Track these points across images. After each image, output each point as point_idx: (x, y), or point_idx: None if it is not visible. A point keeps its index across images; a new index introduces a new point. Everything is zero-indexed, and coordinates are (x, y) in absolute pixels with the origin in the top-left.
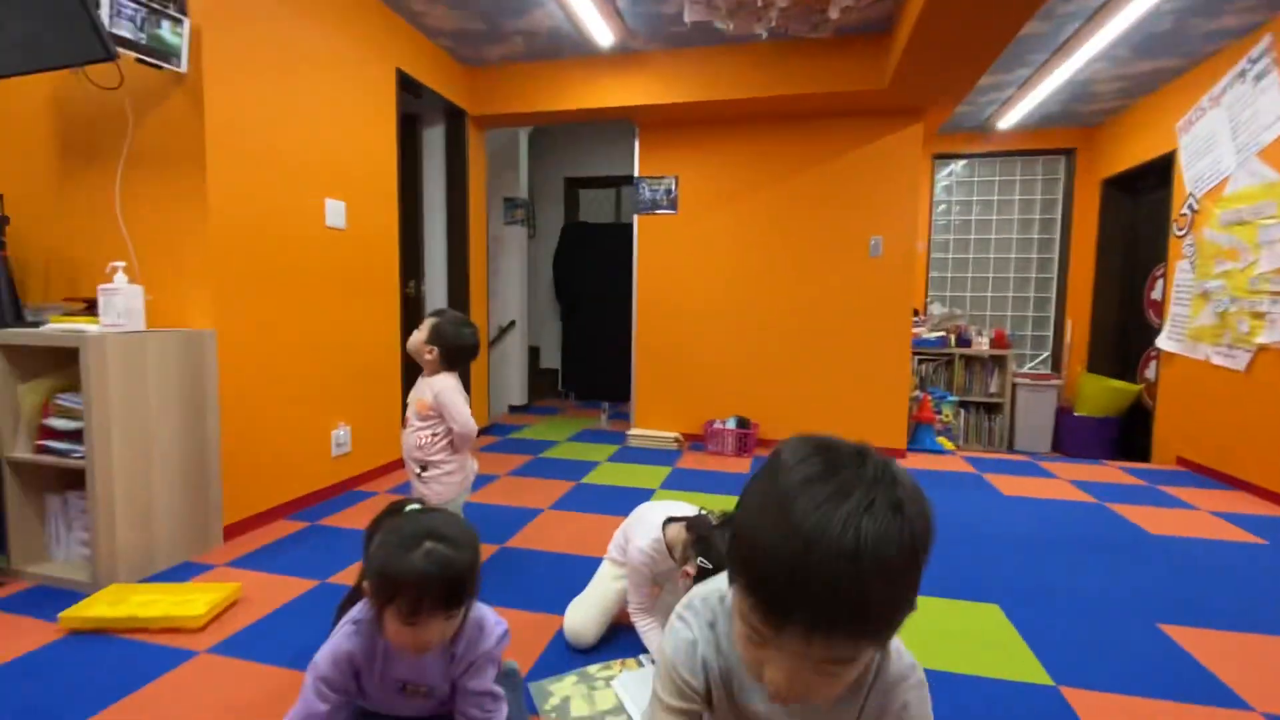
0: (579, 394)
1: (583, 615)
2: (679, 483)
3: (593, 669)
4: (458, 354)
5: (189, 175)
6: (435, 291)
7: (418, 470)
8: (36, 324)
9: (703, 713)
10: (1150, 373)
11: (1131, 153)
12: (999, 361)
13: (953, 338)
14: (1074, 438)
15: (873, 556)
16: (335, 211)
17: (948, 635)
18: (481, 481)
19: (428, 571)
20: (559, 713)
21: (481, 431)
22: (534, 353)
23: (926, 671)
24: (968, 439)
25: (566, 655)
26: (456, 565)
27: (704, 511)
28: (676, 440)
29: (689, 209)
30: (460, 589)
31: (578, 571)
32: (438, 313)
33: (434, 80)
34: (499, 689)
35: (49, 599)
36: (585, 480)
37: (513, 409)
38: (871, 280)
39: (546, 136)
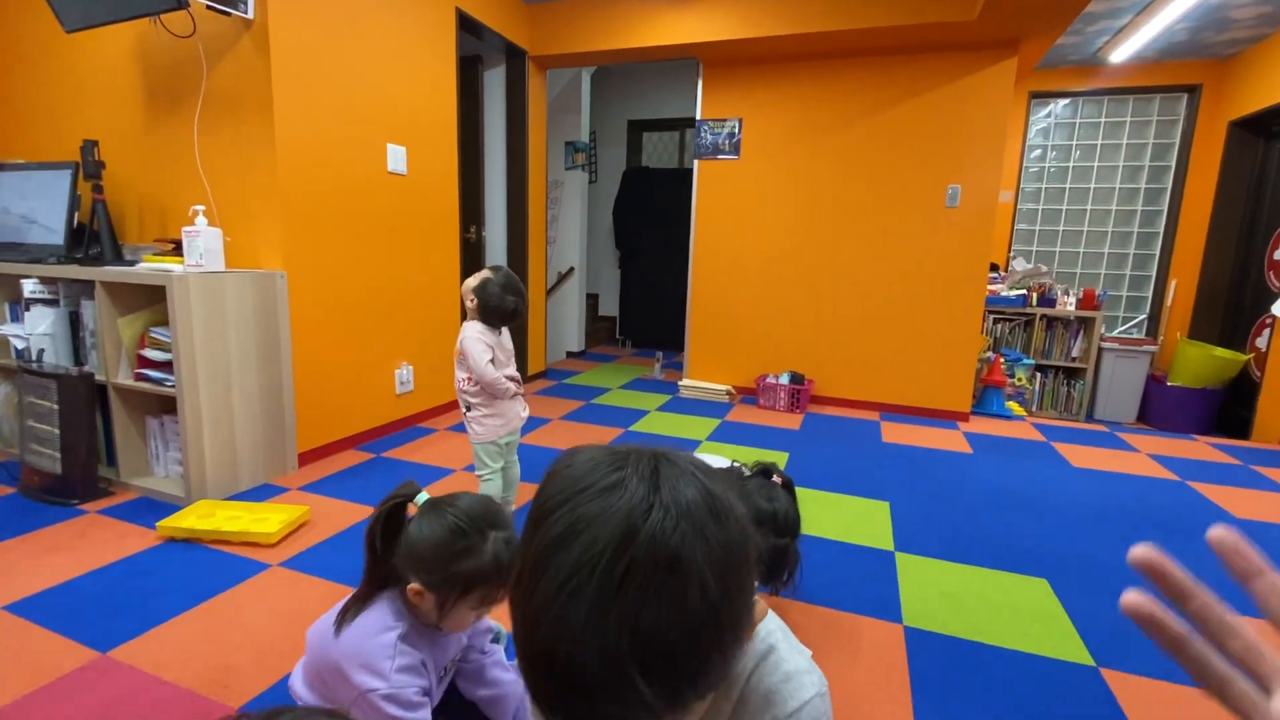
0: (635, 342)
1: None
2: (727, 435)
3: None
4: (492, 312)
5: (258, 120)
6: (495, 237)
7: (464, 409)
8: (133, 263)
9: None
10: (1262, 341)
11: (1270, 90)
12: (1085, 324)
13: (1035, 296)
14: (1163, 409)
15: (637, 648)
16: (396, 157)
17: (989, 606)
18: (534, 424)
19: (506, 561)
20: None
21: (537, 376)
22: (592, 300)
23: (969, 644)
24: (1041, 405)
25: None
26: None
27: (736, 463)
28: (728, 393)
29: (751, 154)
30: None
31: None
32: (496, 268)
33: (494, 19)
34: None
35: (150, 509)
36: (633, 428)
37: (570, 355)
38: (946, 233)
39: (609, 77)
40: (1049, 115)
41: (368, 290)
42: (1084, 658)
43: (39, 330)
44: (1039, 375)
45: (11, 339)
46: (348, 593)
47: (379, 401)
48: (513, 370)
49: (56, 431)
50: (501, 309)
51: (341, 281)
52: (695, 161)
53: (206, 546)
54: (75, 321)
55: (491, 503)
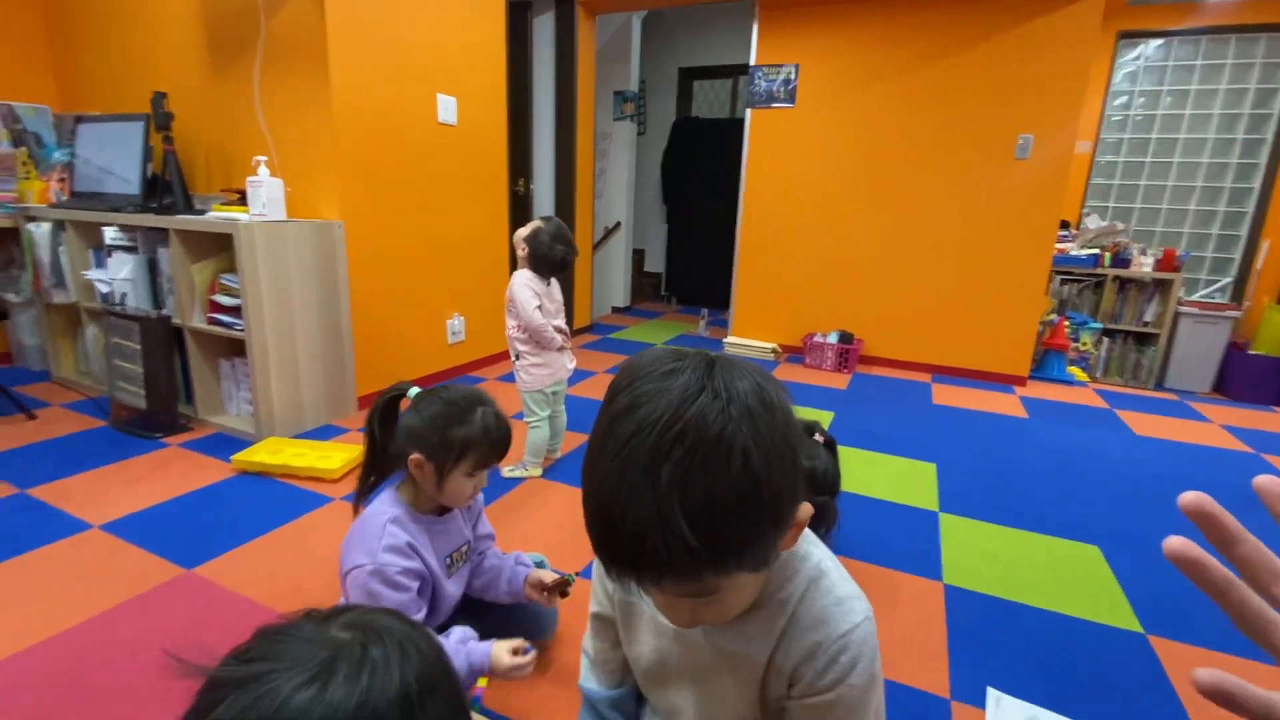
0: (681, 299)
1: None
2: None
3: None
4: (542, 261)
5: (314, 71)
6: (543, 190)
7: (514, 356)
8: (202, 212)
9: (617, 626)
10: None
11: None
12: (1162, 286)
13: (1108, 256)
14: (1243, 379)
15: (684, 501)
16: (447, 108)
17: (1036, 569)
18: (578, 377)
19: (494, 430)
20: None
21: (582, 330)
22: (638, 256)
23: (1017, 605)
24: (1107, 371)
25: None
26: (506, 424)
27: None
28: (774, 351)
29: (808, 102)
30: (509, 443)
31: None
32: (547, 219)
33: None
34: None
35: (224, 444)
36: None
37: (615, 310)
38: (1014, 186)
39: (661, 22)
40: (1138, 58)
41: (420, 242)
42: (1132, 624)
43: (121, 275)
44: (1106, 340)
45: (97, 284)
46: None
47: (432, 350)
48: (561, 322)
49: (140, 370)
50: (551, 258)
51: (395, 232)
52: (748, 110)
53: (275, 479)
54: (153, 267)
55: (472, 388)
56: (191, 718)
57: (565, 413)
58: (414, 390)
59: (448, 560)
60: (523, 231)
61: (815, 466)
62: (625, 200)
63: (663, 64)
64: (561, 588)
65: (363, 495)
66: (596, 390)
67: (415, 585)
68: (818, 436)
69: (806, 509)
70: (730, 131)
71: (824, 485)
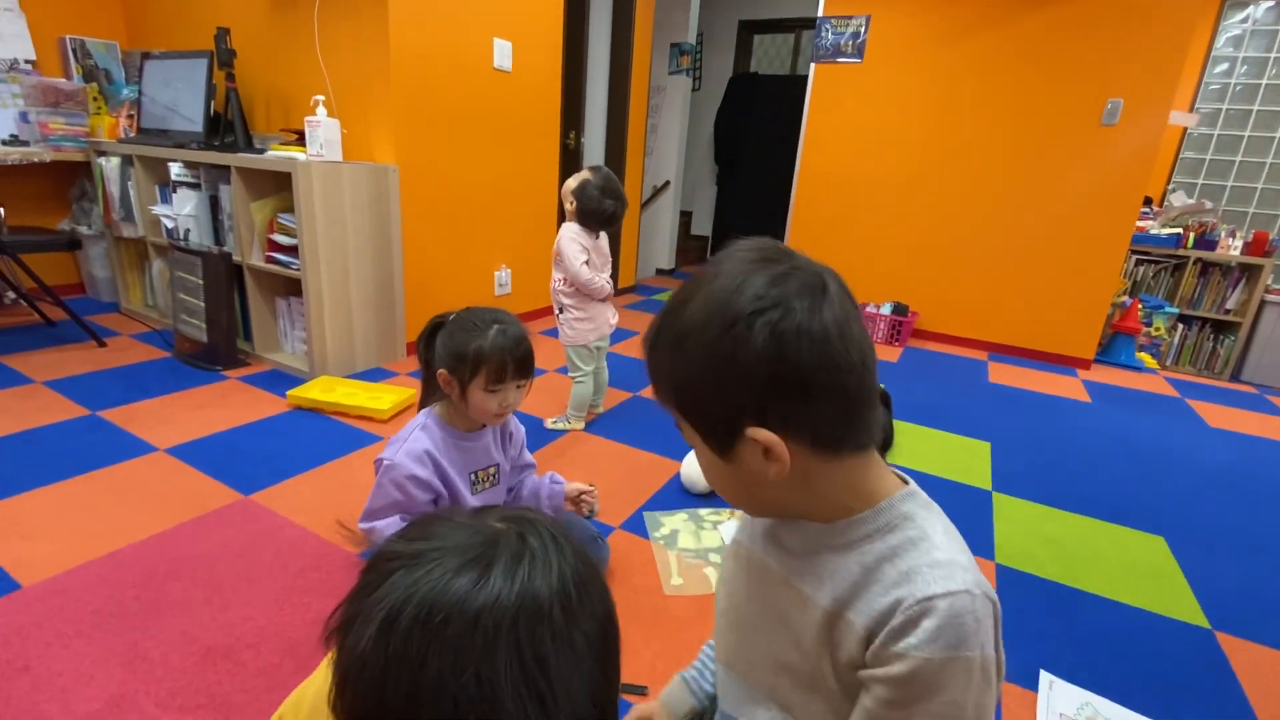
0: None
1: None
2: None
3: (704, 511)
4: (591, 216)
5: (373, 10)
6: (594, 145)
7: (558, 310)
8: (261, 151)
9: None
10: None
11: None
12: (1250, 271)
13: (1192, 236)
14: None
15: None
16: (502, 52)
17: (1094, 556)
18: (621, 335)
19: (505, 344)
20: (667, 541)
21: (626, 290)
22: (685, 218)
23: (1077, 592)
24: (1179, 360)
25: (679, 496)
26: (525, 338)
27: None
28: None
29: (877, 57)
30: (530, 359)
31: None
32: (595, 169)
33: None
34: (532, 459)
35: (281, 380)
36: None
37: (659, 272)
38: (1097, 155)
39: None
40: (1245, 20)
41: (471, 190)
42: (1198, 619)
43: (185, 211)
44: (1180, 326)
45: (163, 219)
46: None
47: (479, 300)
48: (607, 275)
49: (202, 304)
50: (600, 211)
51: (447, 179)
52: (811, 65)
53: (327, 416)
54: (215, 205)
55: (501, 311)
56: (360, 591)
57: (607, 368)
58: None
59: (472, 477)
60: (570, 184)
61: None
62: (676, 159)
63: (723, 15)
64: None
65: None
66: (637, 350)
67: (424, 497)
68: None
69: (771, 439)
70: (790, 89)
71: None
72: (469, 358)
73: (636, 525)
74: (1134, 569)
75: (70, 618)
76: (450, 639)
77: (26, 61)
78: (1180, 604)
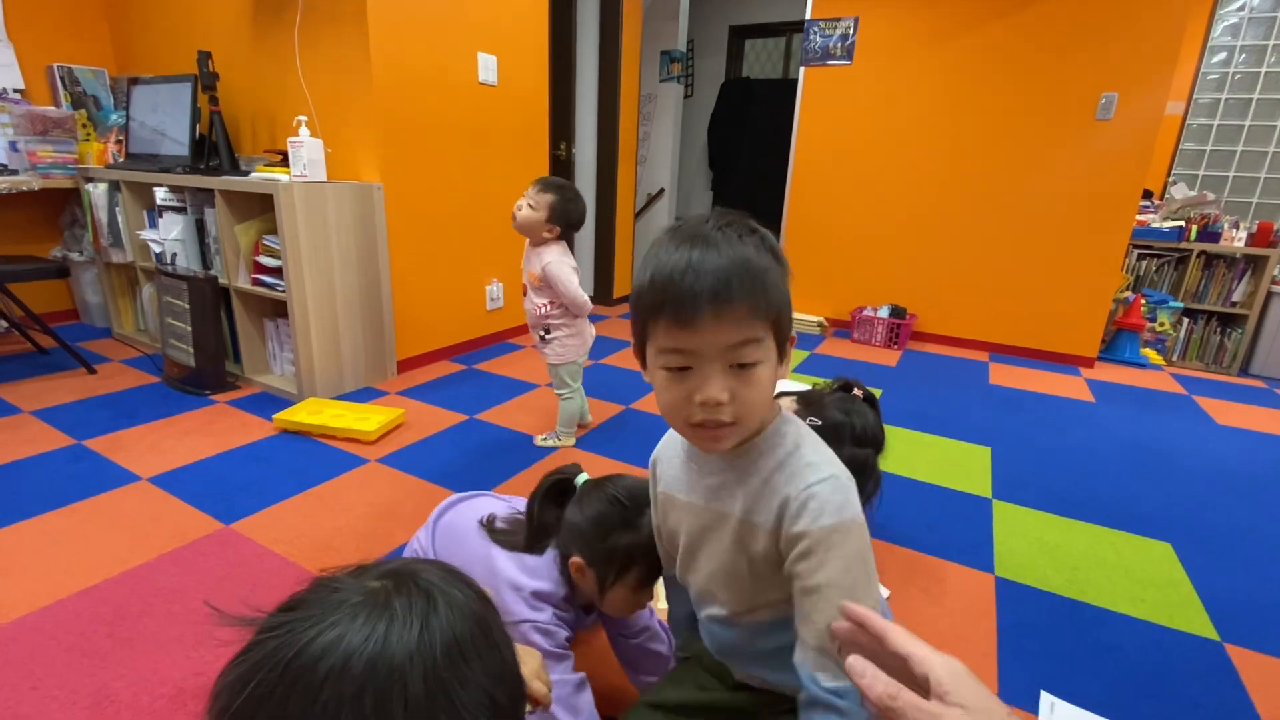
0: None
1: None
2: (816, 369)
3: None
4: (572, 229)
5: (354, 28)
6: (585, 155)
7: (541, 333)
8: (247, 173)
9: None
10: None
11: None
12: (1255, 263)
13: (1194, 229)
14: None
15: (733, 238)
16: (487, 66)
17: (1099, 565)
18: (616, 346)
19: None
20: None
21: (621, 300)
22: None
23: (1079, 604)
24: (1185, 355)
25: None
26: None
27: (815, 387)
28: (820, 325)
29: (866, 59)
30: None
31: None
32: (552, 187)
33: None
34: None
35: (269, 403)
36: None
37: None
38: (1093, 150)
39: None
40: (1242, 8)
41: (460, 206)
42: (1206, 630)
43: (171, 236)
44: (1185, 320)
45: (150, 243)
46: (436, 489)
47: (471, 316)
48: None
49: (189, 329)
50: (578, 220)
51: (435, 196)
52: (801, 69)
53: (314, 439)
54: (201, 228)
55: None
56: (235, 660)
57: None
58: (582, 478)
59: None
60: (537, 215)
61: (853, 421)
62: (670, 166)
63: (712, 22)
64: None
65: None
66: (631, 360)
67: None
68: (856, 391)
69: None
70: (782, 93)
71: (863, 438)
72: (619, 554)
73: None
74: (1139, 578)
75: (41, 658)
76: (290, 715)
77: (15, 90)
78: (1188, 615)
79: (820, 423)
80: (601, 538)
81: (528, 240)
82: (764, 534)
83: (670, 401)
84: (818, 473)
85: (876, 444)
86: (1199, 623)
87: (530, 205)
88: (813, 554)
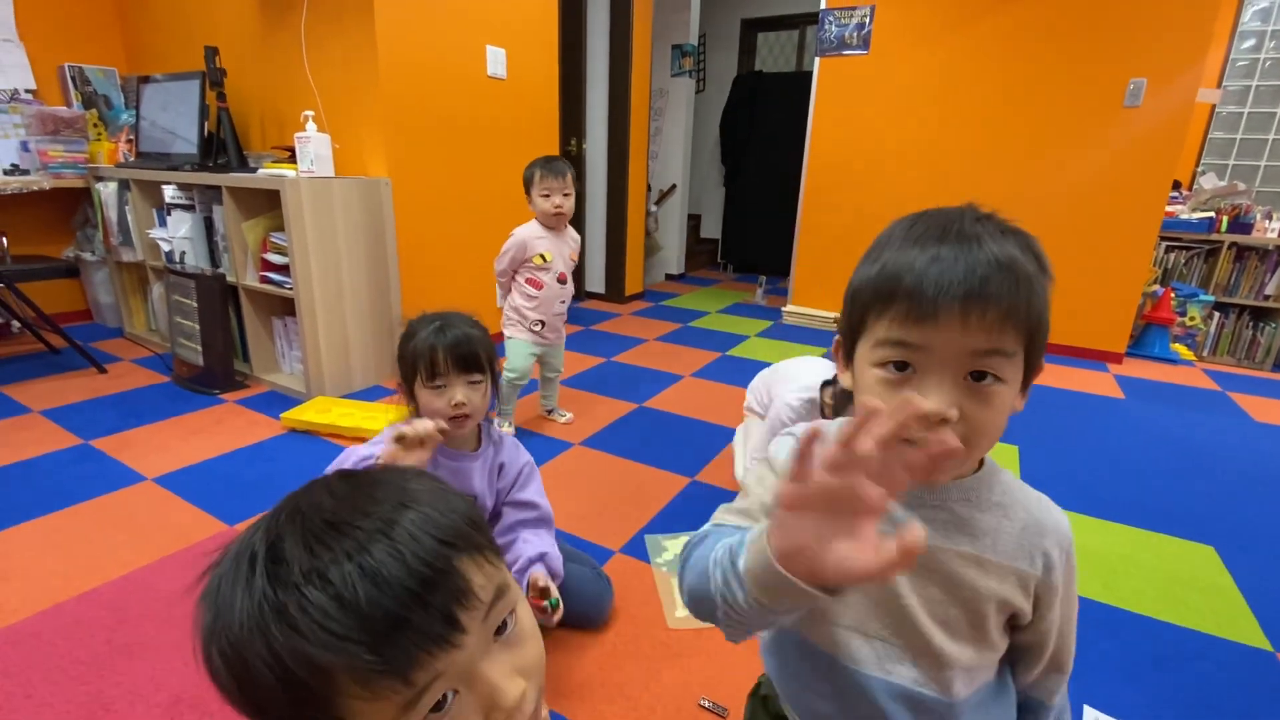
0: (737, 266)
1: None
2: (833, 367)
3: None
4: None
5: (360, 22)
6: (596, 151)
7: (564, 317)
8: (254, 170)
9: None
10: None
11: None
12: None
13: (1225, 220)
14: None
15: (995, 233)
16: (496, 60)
17: (1138, 569)
18: (628, 343)
19: (437, 340)
20: (669, 567)
21: (634, 297)
22: (694, 221)
23: (1119, 612)
24: (1216, 350)
25: (685, 514)
26: (462, 334)
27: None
28: (836, 321)
29: (884, 48)
30: (469, 348)
31: (711, 438)
32: (570, 168)
33: None
34: (543, 502)
35: (276, 401)
36: (731, 353)
37: (669, 277)
38: (1121, 139)
39: None
40: None
41: (468, 201)
42: (1257, 639)
43: (180, 234)
44: (1217, 314)
45: (159, 242)
46: None
47: (479, 315)
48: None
49: (198, 327)
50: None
51: (443, 191)
52: (816, 59)
53: (322, 438)
54: (209, 226)
55: (456, 314)
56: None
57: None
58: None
59: None
60: (570, 201)
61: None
62: (681, 162)
63: (724, 14)
64: (545, 595)
65: None
66: (645, 359)
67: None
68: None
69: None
70: (796, 87)
71: None
72: (407, 358)
73: (637, 549)
74: (1182, 583)
75: (39, 664)
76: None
77: (27, 91)
78: (1236, 623)
79: (837, 398)
80: (399, 351)
81: (548, 228)
82: (1012, 576)
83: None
84: (1052, 506)
85: None
86: (1249, 631)
87: (565, 194)
88: (1060, 590)
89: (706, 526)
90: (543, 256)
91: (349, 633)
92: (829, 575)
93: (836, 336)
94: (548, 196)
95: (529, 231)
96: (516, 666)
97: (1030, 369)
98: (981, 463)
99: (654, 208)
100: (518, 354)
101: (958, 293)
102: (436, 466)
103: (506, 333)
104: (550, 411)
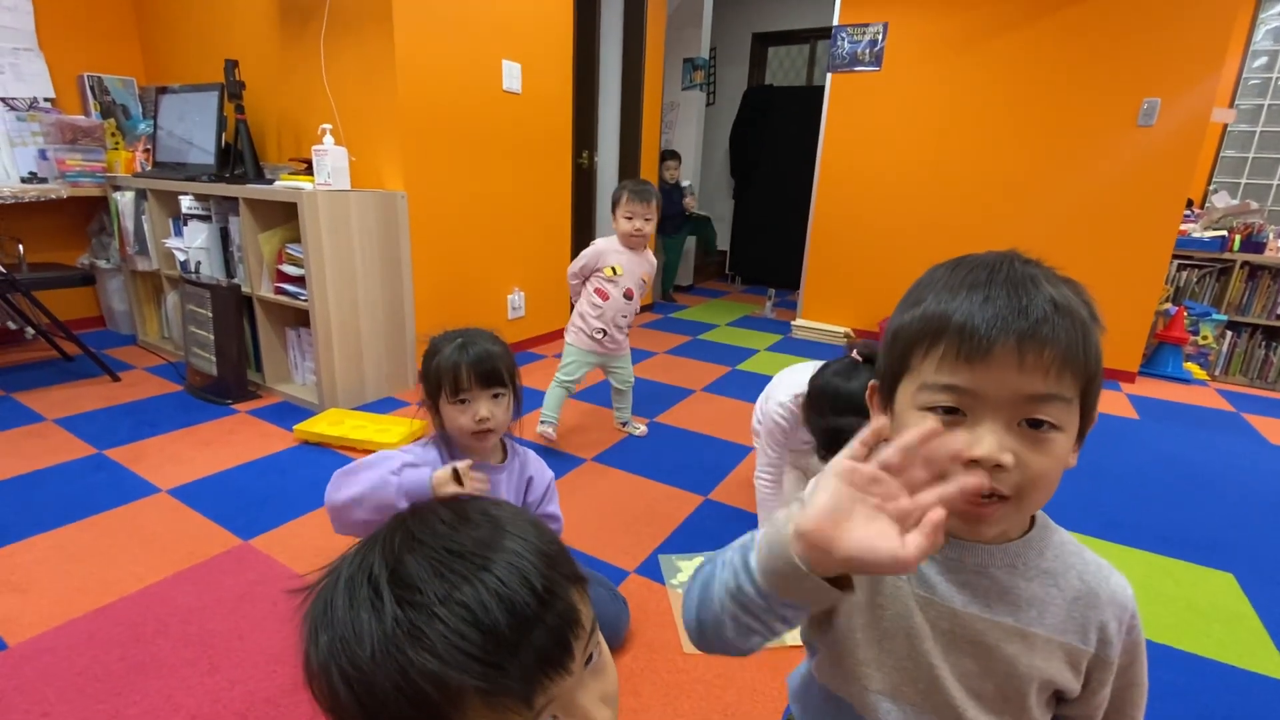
0: (746, 279)
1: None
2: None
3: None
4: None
5: (379, 37)
6: (607, 164)
7: (627, 329)
8: (271, 181)
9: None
10: None
11: None
12: None
13: (1237, 239)
14: None
15: (1049, 276)
16: (511, 74)
17: (1155, 597)
18: (638, 357)
19: (460, 356)
20: (685, 588)
21: (644, 309)
22: None
23: None
24: (1229, 369)
25: (699, 533)
26: (486, 350)
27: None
28: (846, 336)
29: (896, 65)
30: (491, 364)
31: (722, 455)
32: (653, 194)
33: None
34: (561, 516)
35: (289, 412)
36: (740, 367)
37: (677, 289)
38: (1135, 158)
39: None
40: None
41: (483, 214)
42: (1278, 670)
43: (196, 244)
44: (1229, 334)
45: (175, 251)
46: None
47: (492, 325)
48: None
49: (212, 337)
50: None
51: (458, 204)
52: (828, 75)
53: (335, 451)
54: (225, 237)
55: (478, 330)
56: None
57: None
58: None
59: None
60: (651, 225)
61: (854, 387)
62: (692, 174)
63: (735, 29)
64: None
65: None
66: (656, 372)
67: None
68: (856, 355)
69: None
70: (806, 101)
71: (860, 406)
72: (431, 375)
73: (651, 569)
74: (1200, 612)
75: (53, 681)
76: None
77: (46, 99)
78: (1257, 653)
79: (806, 391)
80: (424, 368)
81: (626, 247)
82: (1060, 651)
83: (926, 454)
84: (1112, 571)
85: (861, 411)
86: (1271, 662)
87: (646, 219)
88: (1115, 666)
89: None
90: (614, 269)
91: (484, 654)
92: (837, 558)
93: (872, 381)
94: (630, 219)
95: (608, 244)
96: (602, 695)
97: (1085, 421)
98: (1033, 522)
99: (692, 197)
100: (574, 358)
101: (1014, 330)
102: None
103: (568, 338)
104: (624, 424)
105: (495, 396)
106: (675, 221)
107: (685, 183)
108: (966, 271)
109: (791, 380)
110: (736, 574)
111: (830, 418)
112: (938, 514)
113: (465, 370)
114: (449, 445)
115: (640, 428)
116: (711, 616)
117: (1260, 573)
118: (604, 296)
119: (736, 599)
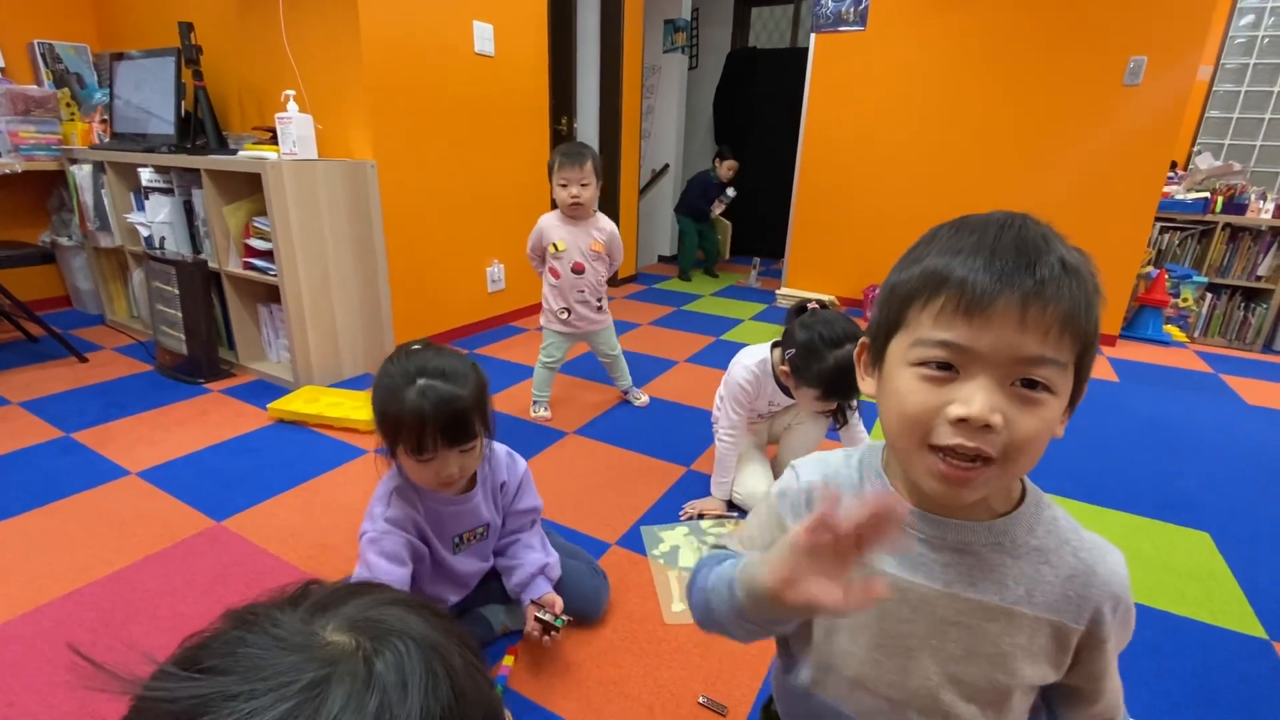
0: (731, 248)
1: (752, 481)
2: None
3: (705, 524)
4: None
5: None
6: (587, 129)
7: (596, 304)
8: (235, 151)
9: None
10: None
11: None
12: None
13: (1220, 200)
14: None
15: (1060, 240)
16: (483, 36)
17: (1136, 558)
18: (622, 328)
19: (422, 408)
20: (666, 558)
21: (626, 280)
22: None
23: None
24: (1208, 331)
25: (681, 504)
26: (452, 400)
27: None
28: (831, 304)
29: (881, 23)
30: (461, 422)
31: (704, 425)
32: (590, 156)
33: None
34: (538, 502)
35: (263, 391)
36: (725, 337)
37: (661, 259)
38: (1120, 118)
39: None
40: None
41: (458, 184)
42: (1253, 627)
43: (159, 219)
44: (1209, 296)
45: (138, 226)
46: None
47: (471, 299)
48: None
49: (180, 315)
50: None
51: (431, 173)
52: (812, 36)
53: (310, 429)
54: (189, 210)
55: (439, 356)
56: None
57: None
58: (413, 346)
59: (456, 539)
60: (590, 192)
61: (821, 331)
62: (675, 140)
63: None
64: (548, 629)
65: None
66: (639, 344)
67: (408, 564)
68: (812, 305)
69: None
70: (791, 63)
71: (841, 338)
72: (389, 423)
73: (633, 541)
74: (1177, 571)
75: (21, 670)
76: None
77: None
78: (1231, 611)
79: (794, 350)
80: (377, 406)
81: (569, 218)
82: (1046, 628)
83: (914, 409)
84: (1109, 549)
85: (853, 336)
86: (1245, 620)
87: (582, 184)
88: (1109, 641)
89: (713, 551)
90: (555, 246)
91: None
92: (790, 607)
93: (862, 339)
94: (565, 187)
95: (549, 219)
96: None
97: (1077, 389)
98: (1023, 497)
99: (730, 193)
100: (550, 340)
101: (1019, 286)
102: (440, 508)
103: (541, 320)
104: (626, 392)
105: (464, 451)
106: (702, 213)
107: (731, 191)
108: (973, 228)
109: (753, 352)
110: (728, 599)
111: (830, 352)
112: (876, 588)
113: (429, 431)
114: (415, 488)
115: (642, 398)
116: (719, 628)
117: (1235, 532)
118: (555, 275)
119: (734, 618)
